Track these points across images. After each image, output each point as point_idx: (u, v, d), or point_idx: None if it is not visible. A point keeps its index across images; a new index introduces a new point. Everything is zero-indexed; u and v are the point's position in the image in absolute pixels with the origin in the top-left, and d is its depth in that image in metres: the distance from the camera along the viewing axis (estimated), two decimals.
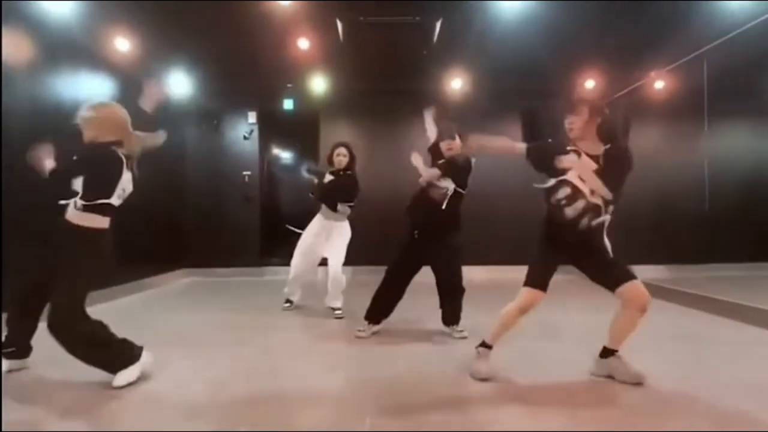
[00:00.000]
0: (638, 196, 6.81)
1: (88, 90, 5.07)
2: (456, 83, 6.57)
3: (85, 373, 2.60)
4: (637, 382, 2.64)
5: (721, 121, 6.93)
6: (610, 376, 2.73)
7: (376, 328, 3.78)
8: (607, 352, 2.76)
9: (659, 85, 6.37)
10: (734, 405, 2.37)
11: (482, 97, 6.86)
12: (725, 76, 6.14)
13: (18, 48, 4.04)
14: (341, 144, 4.66)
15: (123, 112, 2.74)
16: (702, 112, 6.47)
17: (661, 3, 4.87)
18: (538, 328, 3.68)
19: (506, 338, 2.87)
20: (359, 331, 3.74)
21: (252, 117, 7.21)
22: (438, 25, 5.57)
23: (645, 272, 6.34)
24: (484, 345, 2.85)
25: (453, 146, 3.64)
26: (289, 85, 6.98)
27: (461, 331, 3.71)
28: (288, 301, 4.78)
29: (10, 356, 2.78)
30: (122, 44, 5.26)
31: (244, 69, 6.54)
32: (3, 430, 1.97)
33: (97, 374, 2.60)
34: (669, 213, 7.29)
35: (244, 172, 7.22)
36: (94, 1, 4.62)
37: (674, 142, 7.36)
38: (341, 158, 4.56)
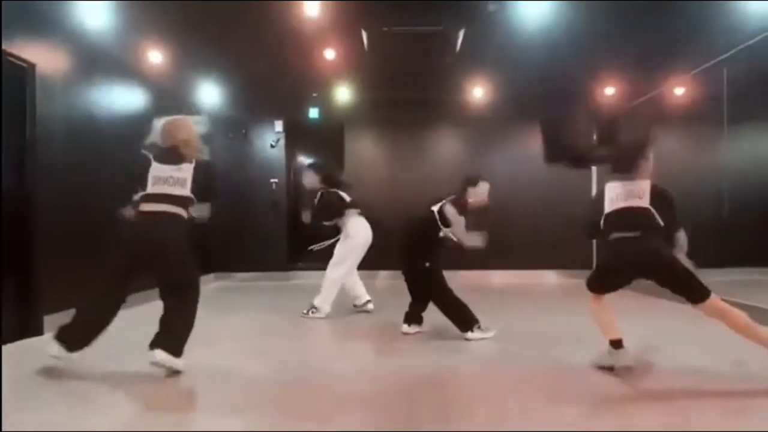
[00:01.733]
0: None
1: (120, 101, 5.24)
2: (478, 92, 6.71)
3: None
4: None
5: (741, 127, 6.95)
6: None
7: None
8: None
9: (679, 91, 6.44)
10: None
11: (504, 106, 7.01)
12: (747, 83, 6.17)
13: (53, 57, 4.19)
14: None
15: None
16: (721, 119, 6.52)
17: (683, 8, 4.96)
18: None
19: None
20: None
21: (279, 125, 7.43)
22: (461, 34, 5.73)
23: None
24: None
25: None
26: (314, 95, 7.17)
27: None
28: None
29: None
30: (154, 56, 5.41)
31: (271, 79, 6.74)
32: (3, 430, 1.98)
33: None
34: (685, 217, 7.27)
35: (272, 179, 7.43)
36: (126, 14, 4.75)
37: (691, 147, 7.40)
38: None
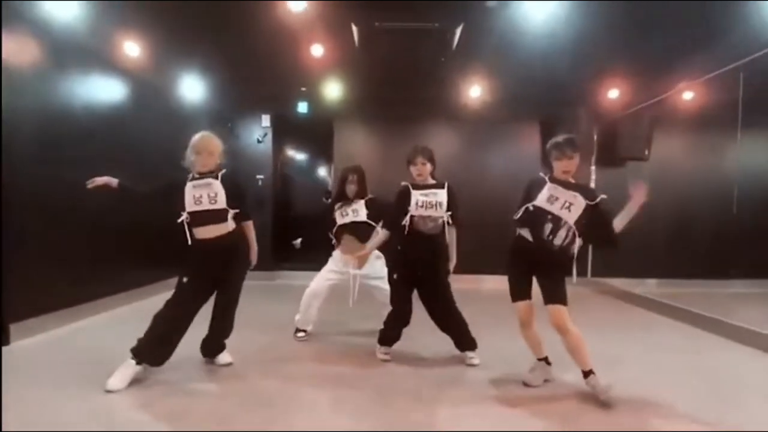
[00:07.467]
0: (660, 210, 6.61)
1: (98, 93, 5.02)
2: (474, 91, 6.36)
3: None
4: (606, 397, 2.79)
5: (753, 134, 6.62)
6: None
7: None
8: (586, 374, 2.92)
9: (688, 96, 6.08)
10: None
11: (501, 106, 6.66)
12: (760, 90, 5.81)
13: (23, 50, 3.94)
14: (351, 170, 4.14)
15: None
16: (732, 125, 6.19)
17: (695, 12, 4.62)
18: None
19: None
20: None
21: (266, 120, 7.09)
22: (458, 31, 5.37)
23: (668, 286, 6.15)
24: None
25: (423, 171, 3.58)
26: (302, 89, 6.83)
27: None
28: None
29: None
30: (133, 47, 5.15)
31: (258, 72, 6.41)
32: (3, 430, 1.98)
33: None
34: (692, 226, 7.05)
35: (258, 176, 7.12)
36: (105, 1, 4.50)
37: (701, 155, 7.10)
38: (352, 186, 4.10)
